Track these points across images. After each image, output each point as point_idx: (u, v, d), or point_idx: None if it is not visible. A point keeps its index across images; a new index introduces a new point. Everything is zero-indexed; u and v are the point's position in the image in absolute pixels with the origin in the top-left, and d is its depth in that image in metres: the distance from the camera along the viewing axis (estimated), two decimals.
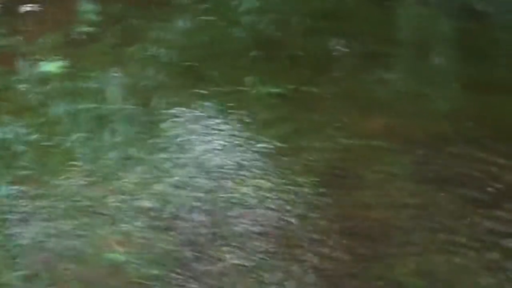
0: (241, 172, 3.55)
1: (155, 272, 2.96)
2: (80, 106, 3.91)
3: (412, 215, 3.24)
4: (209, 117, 3.90)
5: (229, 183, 3.48)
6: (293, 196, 3.38)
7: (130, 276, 2.96)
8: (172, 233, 3.17)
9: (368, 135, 3.74)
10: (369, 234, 3.16)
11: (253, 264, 2.99)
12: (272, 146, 3.71)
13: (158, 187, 3.43)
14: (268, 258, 3.04)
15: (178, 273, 2.96)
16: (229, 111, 3.93)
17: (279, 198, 3.36)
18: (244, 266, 2.99)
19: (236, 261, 3.02)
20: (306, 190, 3.41)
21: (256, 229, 3.21)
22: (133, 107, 3.93)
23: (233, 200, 3.37)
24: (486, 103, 3.95)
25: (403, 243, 3.09)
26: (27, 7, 4.84)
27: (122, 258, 3.04)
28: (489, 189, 3.38)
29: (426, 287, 2.84)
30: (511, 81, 4.19)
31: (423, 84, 4.20)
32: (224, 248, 3.08)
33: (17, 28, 4.60)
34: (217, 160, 3.63)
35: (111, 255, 3.06)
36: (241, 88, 4.05)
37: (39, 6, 4.84)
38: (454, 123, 3.83)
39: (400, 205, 3.30)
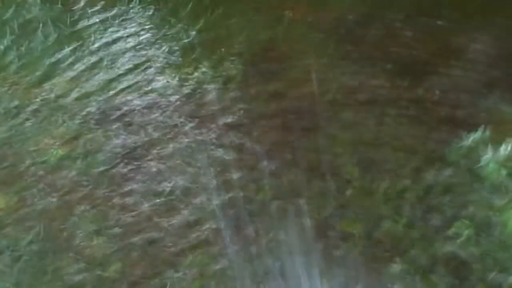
0: (171, 62, 3.65)
1: (95, 169, 3.10)
2: (3, 14, 3.90)
3: (340, 91, 3.38)
4: (134, 13, 3.93)
5: (159, 75, 3.57)
6: (223, 77, 3.51)
7: (70, 173, 3.08)
8: (104, 129, 3.28)
9: (291, 20, 3.81)
10: (298, 107, 3.31)
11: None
12: (200, 35, 3.77)
13: (85, 87, 3.50)
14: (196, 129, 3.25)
15: (116, 168, 3.11)
16: (155, 6, 3.98)
17: (209, 81, 3.49)
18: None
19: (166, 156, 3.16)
20: (234, 71, 3.53)
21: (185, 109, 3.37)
22: (54, 9, 3.93)
23: (161, 90, 3.49)
24: None
25: (333, 115, 3.27)
26: None
27: (59, 155, 3.15)
28: (411, 61, 3.55)
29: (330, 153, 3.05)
30: None
31: None
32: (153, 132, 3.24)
33: None
34: (144, 54, 3.69)
35: (49, 153, 3.16)
36: None
37: None
38: (374, 5, 3.94)
39: (328, 81, 3.43)
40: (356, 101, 3.32)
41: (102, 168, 3.08)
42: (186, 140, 3.19)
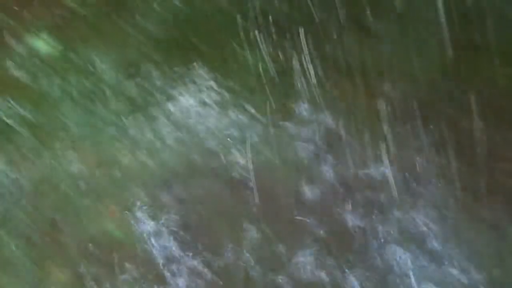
0: (231, 138, 3.65)
1: (156, 248, 3.12)
2: (72, 81, 3.94)
3: None
4: (202, 86, 3.93)
5: (222, 150, 3.59)
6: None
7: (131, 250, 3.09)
8: (167, 202, 3.31)
9: None
10: None
11: None
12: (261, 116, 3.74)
13: (152, 159, 3.53)
14: None
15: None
16: (222, 78, 3.94)
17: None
18: None
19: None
20: None
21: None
22: (124, 79, 3.96)
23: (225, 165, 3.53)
24: None
25: None
26: None
27: (121, 233, 3.16)
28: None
29: None
30: None
31: None
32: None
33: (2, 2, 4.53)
34: (209, 129, 3.69)
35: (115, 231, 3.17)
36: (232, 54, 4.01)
37: None
38: None
39: None
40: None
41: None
42: None
